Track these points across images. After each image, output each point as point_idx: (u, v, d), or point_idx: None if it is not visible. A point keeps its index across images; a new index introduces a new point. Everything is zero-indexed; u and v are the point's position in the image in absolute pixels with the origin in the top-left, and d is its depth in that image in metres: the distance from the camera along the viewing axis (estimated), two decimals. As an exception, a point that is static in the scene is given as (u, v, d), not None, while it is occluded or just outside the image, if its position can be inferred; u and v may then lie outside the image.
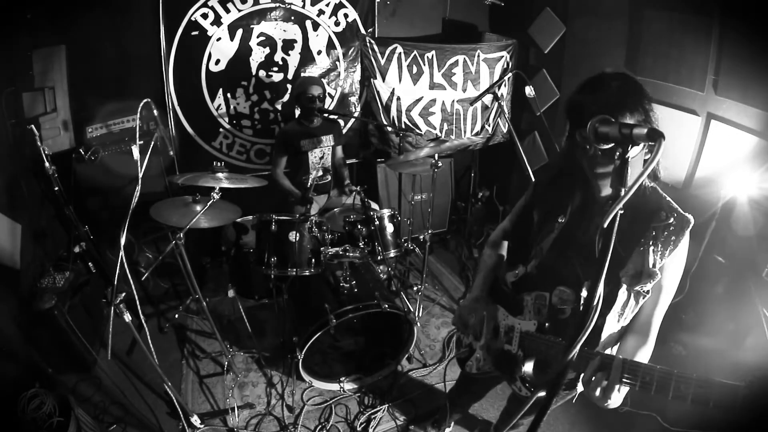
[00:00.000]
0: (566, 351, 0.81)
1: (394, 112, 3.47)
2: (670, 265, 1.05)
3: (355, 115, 3.52)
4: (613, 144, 0.87)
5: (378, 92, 3.40)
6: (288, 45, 3.19)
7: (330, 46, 3.31)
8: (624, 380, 0.91)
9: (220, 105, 3.15)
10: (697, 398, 0.81)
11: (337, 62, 3.37)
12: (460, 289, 3.37)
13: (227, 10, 2.94)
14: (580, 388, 1.27)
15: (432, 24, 3.68)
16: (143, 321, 1.75)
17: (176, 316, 2.80)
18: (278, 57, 3.19)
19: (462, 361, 1.54)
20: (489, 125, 3.85)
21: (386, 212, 2.46)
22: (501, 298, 1.34)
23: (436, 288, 3.36)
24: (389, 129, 3.45)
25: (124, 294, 1.62)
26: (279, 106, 3.33)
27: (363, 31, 3.36)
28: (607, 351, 1.15)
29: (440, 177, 3.61)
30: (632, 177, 0.78)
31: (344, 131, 3.37)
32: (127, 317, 1.64)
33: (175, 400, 1.96)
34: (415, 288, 3.09)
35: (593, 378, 0.96)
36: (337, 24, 3.28)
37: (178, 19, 2.86)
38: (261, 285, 2.53)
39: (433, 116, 3.60)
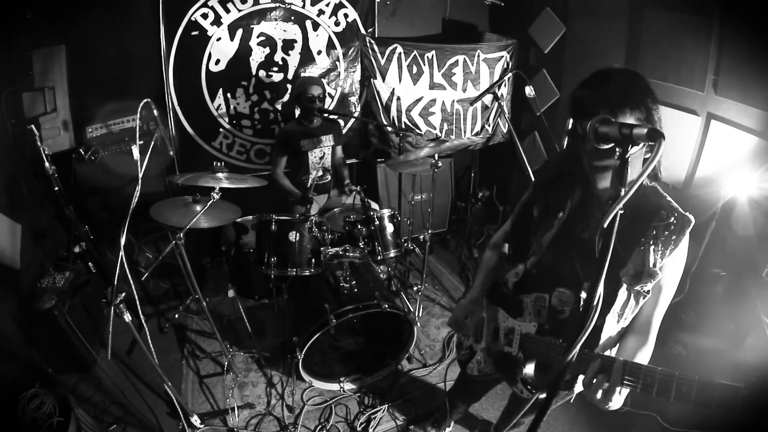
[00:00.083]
0: (566, 352, 0.81)
1: (394, 112, 3.47)
2: (670, 265, 1.05)
3: (355, 115, 3.52)
4: (613, 144, 0.87)
5: (378, 92, 3.40)
6: (288, 45, 3.19)
7: (330, 46, 3.31)
8: (625, 382, 0.91)
9: (220, 105, 3.15)
10: (699, 400, 0.81)
11: (337, 62, 3.37)
12: (460, 289, 3.37)
13: (227, 10, 2.94)
14: (577, 388, 1.27)
15: (432, 24, 3.68)
16: (143, 321, 1.75)
17: (176, 316, 2.80)
18: (278, 57, 3.19)
19: (463, 363, 1.54)
20: (489, 125, 3.85)
21: (386, 212, 2.46)
22: (501, 299, 1.34)
23: (436, 288, 3.36)
24: (389, 129, 3.45)
25: (124, 294, 1.62)
26: (279, 106, 3.33)
27: (363, 31, 3.36)
28: (607, 353, 1.15)
29: (440, 177, 3.61)
30: (632, 176, 0.78)
31: (344, 131, 3.37)
32: (127, 317, 1.63)
33: (175, 400, 1.96)
34: (415, 288, 3.09)
35: (594, 380, 0.95)
36: (337, 24, 3.28)
37: (178, 19, 2.86)
38: (261, 285, 2.53)
39: (433, 116, 3.60)
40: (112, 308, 1.58)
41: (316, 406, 2.30)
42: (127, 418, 2.18)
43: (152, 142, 1.93)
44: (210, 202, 1.91)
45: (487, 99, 3.61)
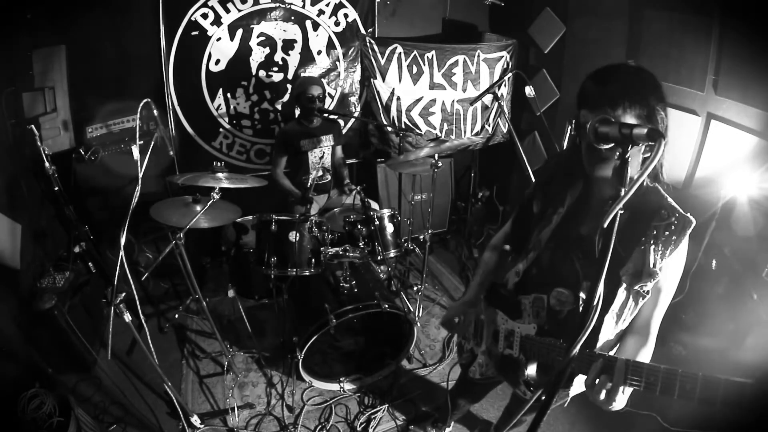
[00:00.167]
0: (567, 352, 0.80)
1: (394, 112, 3.47)
2: (670, 266, 1.05)
3: (355, 115, 3.52)
4: (613, 144, 0.87)
5: (378, 92, 3.40)
6: (288, 45, 3.19)
7: (330, 46, 3.31)
8: (628, 381, 0.90)
9: (220, 105, 3.15)
10: (703, 397, 0.79)
11: (337, 62, 3.37)
12: (460, 289, 3.37)
13: (227, 10, 2.94)
14: (572, 392, 1.27)
15: (432, 24, 3.68)
16: (143, 321, 1.75)
17: (176, 316, 2.80)
18: (278, 57, 3.19)
19: (465, 366, 1.54)
20: (489, 125, 3.85)
21: (386, 212, 2.46)
22: (499, 302, 1.33)
23: (436, 288, 3.36)
24: (389, 129, 3.45)
25: (124, 294, 1.62)
26: (279, 106, 3.33)
27: (363, 31, 3.36)
28: None
29: (440, 177, 3.61)
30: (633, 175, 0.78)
31: (344, 131, 3.37)
32: (127, 317, 1.63)
33: (175, 400, 1.96)
34: (415, 288, 3.09)
35: (597, 381, 0.95)
36: (337, 24, 3.28)
37: (178, 19, 2.86)
38: (261, 285, 2.53)
39: (433, 116, 3.60)
40: (112, 308, 1.58)
41: (316, 406, 2.30)
42: (127, 418, 2.18)
43: (152, 142, 1.93)
44: (210, 202, 1.91)
45: (487, 99, 3.61)
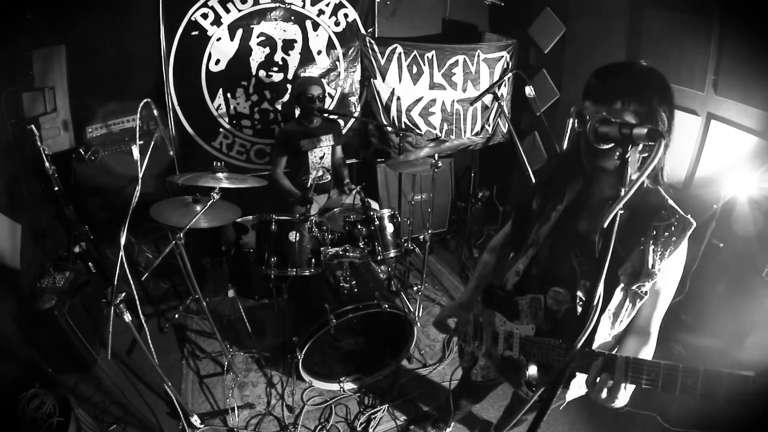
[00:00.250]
0: (567, 352, 0.80)
1: (394, 112, 3.47)
2: (669, 268, 1.04)
3: (355, 115, 3.52)
4: (613, 144, 0.87)
5: (378, 92, 3.40)
6: (288, 45, 3.19)
7: (330, 46, 3.31)
8: (629, 379, 0.90)
9: (220, 105, 3.15)
10: (705, 392, 0.78)
11: (337, 62, 3.37)
12: (460, 289, 3.37)
13: (227, 10, 2.94)
14: (569, 396, 1.27)
15: (432, 24, 3.68)
16: (143, 321, 1.75)
17: (176, 316, 2.79)
18: (278, 57, 3.19)
19: (467, 369, 1.54)
20: (489, 125, 3.85)
21: (386, 212, 2.46)
22: (497, 303, 1.33)
23: (436, 288, 3.36)
24: (389, 129, 3.45)
25: (124, 294, 1.62)
26: (279, 106, 3.32)
27: (363, 31, 3.36)
28: None
29: (440, 177, 3.61)
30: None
31: (344, 131, 3.37)
32: (127, 317, 1.63)
33: (175, 400, 1.96)
34: (415, 288, 3.09)
35: (598, 379, 0.94)
36: (337, 24, 3.28)
37: (178, 19, 2.85)
38: (261, 285, 2.53)
39: (433, 116, 3.60)
40: (112, 308, 1.58)
41: (316, 406, 2.30)
42: (127, 418, 2.18)
43: (152, 142, 1.93)
44: (210, 202, 1.91)
45: (487, 99, 3.61)
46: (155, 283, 3.15)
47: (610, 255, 0.80)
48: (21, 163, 2.41)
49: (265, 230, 2.19)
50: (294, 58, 3.23)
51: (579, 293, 1.10)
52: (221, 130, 3.23)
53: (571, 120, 1.06)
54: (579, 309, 1.11)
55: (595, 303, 0.81)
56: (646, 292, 1.05)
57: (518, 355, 1.22)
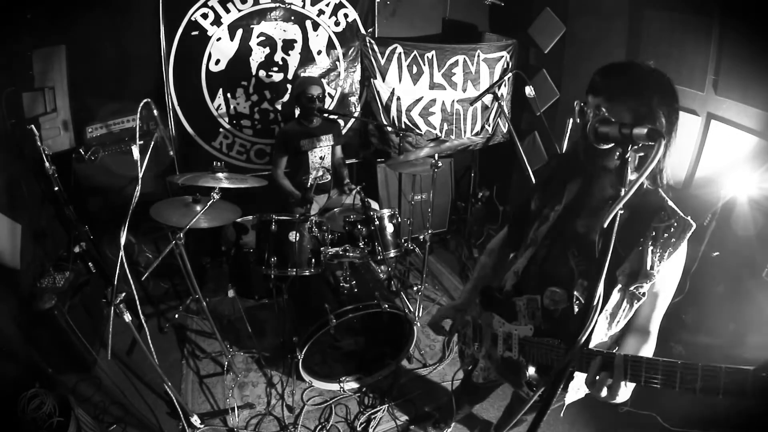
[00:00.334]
0: (566, 353, 0.80)
1: (394, 112, 3.47)
2: (668, 270, 1.04)
3: (355, 115, 3.52)
4: (613, 144, 0.87)
5: (378, 92, 3.40)
6: (288, 45, 3.19)
7: (330, 46, 3.31)
8: (628, 377, 0.90)
9: (220, 105, 3.15)
10: (705, 387, 0.78)
11: (337, 62, 3.37)
12: (460, 288, 3.36)
13: (227, 10, 2.94)
14: (568, 399, 1.27)
15: (432, 24, 3.67)
16: (143, 321, 1.75)
17: (176, 316, 2.80)
18: (278, 57, 3.19)
19: (468, 372, 1.54)
20: (489, 125, 3.85)
21: (386, 212, 2.46)
22: (494, 305, 1.33)
23: (436, 288, 3.36)
24: (389, 129, 3.45)
25: (124, 294, 1.62)
26: (279, 106, 3.32)
27: (363, 31, 3.36)
28: None
29: (440, 177, 3.61)
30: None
31: (344, 131, 3.37)
32: (127, 317, 1.63)
33: (175, 400, 1.96)
34: (415, 288, 3.09)
35: (597, 378, 0.95)
36: (337, 24, 3.27)
37: (178, 19, 2.85)
38: (261, 285, 2.53)
39: (433, 116, 3.60)
40: (112, 308, 1.58)
41: (316, 406, 2.30)
42: (127, 418, 2.18)
43: (152, 142, 1.93)
44: (210, 202, 1.91)
45: (487, 99, 3.61)
46: (155, 283, 3.15)
47: (610, 255, 0.80)
48: (21, 163, 2.41)
49: (265, 230, 2.20)
50: (294, 58, 3.23)
51: (576, 293, 1.10)
52: (221, 130, 3.23)
53: (576, 111, 1.06)
54: (576, 309, 1.11)
55: (595, 303, 0.80)
56: (644, 293, 1.05)
57: (518, 355, 1.22)
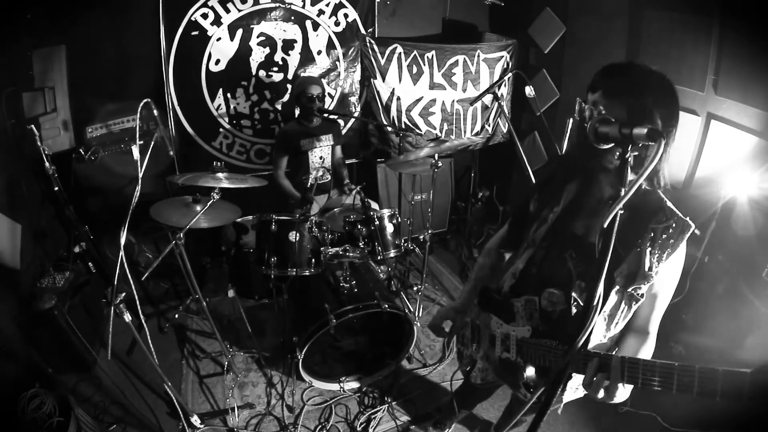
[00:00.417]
0: (566, 354, 0.80)
1: (394, 112, 3.47)
2: (667, 271, 1.04)
3: (355, 115, 3.52)
4: (613, 144, 0.87)
5: (378, 92, 3.40)
6: (288, 45, 3.19)
7: (330, 46, 3.31)
8: (625, 378, 0.90)
9: (220, 105, 3.15)
10: (702, 390, 0.78)
11: (337, 62, 3.37)
12: (460, 288, 3.36)
13: (227, 10, 2.94)
14: (565, 398, 1.27)
15: (432, 24, 3.68)
16: (143, 321, 1.75)
17: (176, 316, 2.80)
18: (278, 57, 3.19)
19: (466, 373, 1.54)
20: (489, 125, 3.85)
21: (386, 212, 2.46)
22: (492, 306, 1.33)
23: (436, 288, 3.36)
24: (389, 129, 3.45)
25: (124, 294, 1.62)
26: (279, 106, 3.32)
27: (363, 31, 3.36)
28: None
29: (440, 177, 3.61)
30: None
31: (344, 131, 3.37)
32: (127, 317, 1.63)
33: (175, 400, 1.96)
34: (415, 288, 3.09)
35: (594, 379, 0.95)
36: (337, 24, 3.27)
37: (178, 19, 2.85)
38: (261, 285, 2.53)
39: (433, 116, 3.60)
40: (112, 308, 1.58)
41: (316, 406, 2.30)
42: (127, 418, 2.18)
43: (152, 142, 1.93)
44: (210, 202, 1.91)
45: (487, 99, 3.61)
46: (155, 283, 3.15)
47: (609, 255, 0.80)
48: (21, 163, 2.41)
49: (265, 230, 2.19)
50: (294, 58, 3.23)
51: (574, 294, 1.10)
52: (221, 130, 3.23)
53: (576, 109, 1.07)
54: (574, 310, 1.11)
55: (594, 303, 0.80)
56: (642, 294, 1.04)
57: (515, 356, 1.22)
